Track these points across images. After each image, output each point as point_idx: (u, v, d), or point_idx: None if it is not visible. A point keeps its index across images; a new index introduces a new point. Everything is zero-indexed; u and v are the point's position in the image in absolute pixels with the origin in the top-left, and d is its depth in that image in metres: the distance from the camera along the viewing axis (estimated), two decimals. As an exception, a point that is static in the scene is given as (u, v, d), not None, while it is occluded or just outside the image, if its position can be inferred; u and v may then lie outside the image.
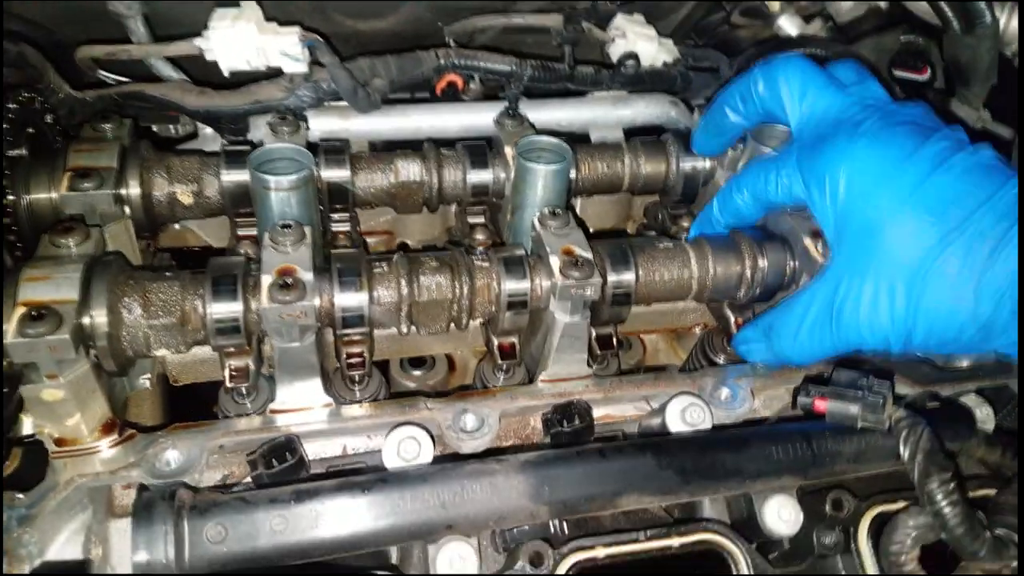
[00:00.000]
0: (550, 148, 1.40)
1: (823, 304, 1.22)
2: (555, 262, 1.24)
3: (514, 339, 1.40)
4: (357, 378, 1.34)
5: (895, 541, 1.01)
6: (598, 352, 1.41)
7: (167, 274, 1.19)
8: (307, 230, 1.22)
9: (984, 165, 1.17)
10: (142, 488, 1.01)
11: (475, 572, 1.00)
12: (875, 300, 1.17)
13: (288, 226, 1.21)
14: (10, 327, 1.04)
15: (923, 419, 1.05)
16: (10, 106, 1.31)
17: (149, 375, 1.30)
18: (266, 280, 1.14)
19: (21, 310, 1.05)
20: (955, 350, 1.21)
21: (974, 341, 1.14)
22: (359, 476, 1.04)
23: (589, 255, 1.24)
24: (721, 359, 1.47)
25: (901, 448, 1.03)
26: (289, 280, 1.13)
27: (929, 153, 1.17)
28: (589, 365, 1.33)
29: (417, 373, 1.60)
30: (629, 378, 1.34)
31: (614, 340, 1.43)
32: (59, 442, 1.13)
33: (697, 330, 1.61)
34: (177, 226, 1.53)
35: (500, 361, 1.39)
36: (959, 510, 0.97)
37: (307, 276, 1.15)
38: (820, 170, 1.24)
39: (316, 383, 1.24)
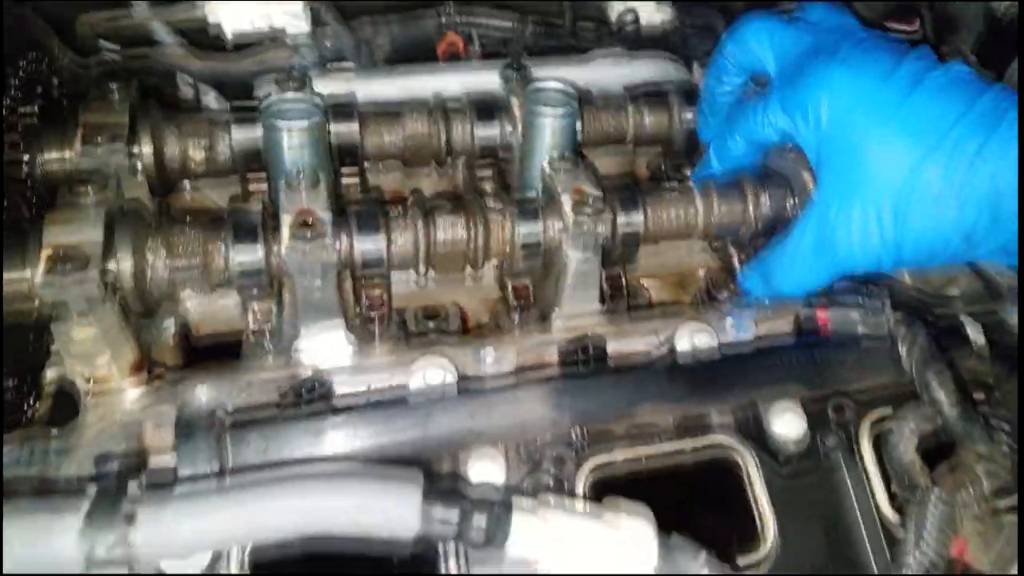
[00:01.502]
0: (557, 94, 1.44)
1: (814, 233, 1.26)
2: (566, 201, 1.28)
3: (527, 281, 1.44)
4: (377, 322, 1.37)
5: (894, 433, 1.07)
6: (608, 293, 1.45)
7: (188, 220, 1.22)
8: (321, 175, 1.26)
9: (958, 80, 1.21)
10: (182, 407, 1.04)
11: (503, 478, 1.04)
12: (864, 222, 1.21)
13: (302, 170, 1.24)
14: (38, 269, 1.07)
15: (920, 320, 1.10)
16: (19, 63, 1.34)
17: (173, 321, 1.33)
18: (286, 220, 1.18)
19: (48, 252, 1.09)
20: (943, 261, 1.24)
21: (960, 251, 1.19)
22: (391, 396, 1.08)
23: (600, 193, 1.28)
24: (724, 297, 1.52)
25: (899, 346, 1.08)
26: (309, 219, 1.17)
27: (905, 73, 1.21)
28: (600, 303, 1.37)
29: (431, 324, 1.63)
30: (638, 314, 1.38)
31: (623, 282, 1.48)
32: (90, 382, 1.15)
33: (701, 273, 1.65)
34: (188, 189, 1.56)
35: (515, 303, 1.43)
36: (954, 396, 1.03)
37: (326, 216, 1.19)
38: (800, 100, 1.27)
39: (338, 325, 1.27)
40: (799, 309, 1.21)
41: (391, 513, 0.83)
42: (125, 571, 0.70)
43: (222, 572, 0.93)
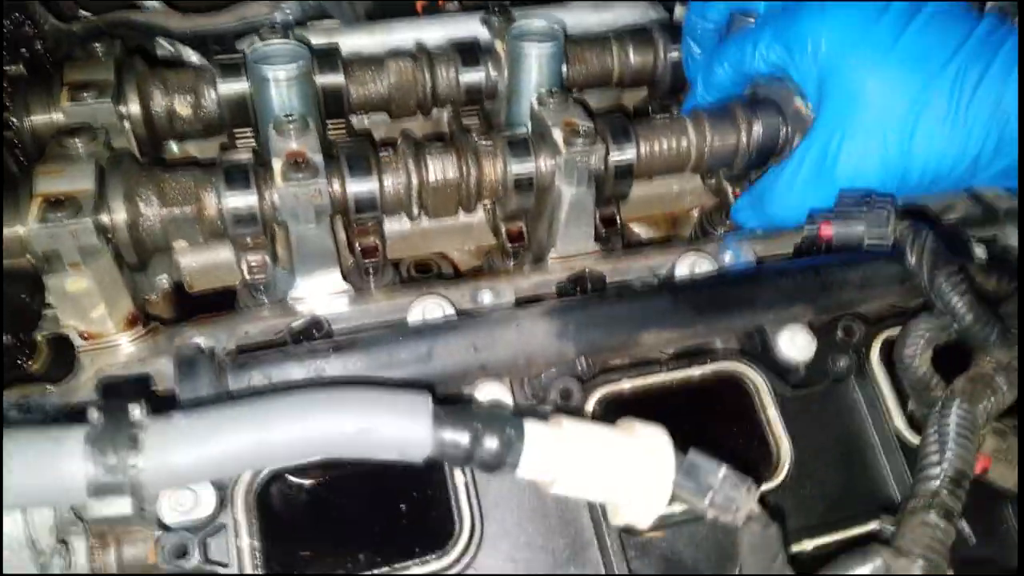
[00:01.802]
0: (541, 30, 1.42)
1: (813, 161, 1.27)
2: (557, 135, 1.26)
3: (521, 224, 1.43)
4: (372, 269, 1.36)
5: (907, 345, 1.05)
6: (602, 232, 1.44)
7: (179, 168, 1.20)
8: (310, 120, 1.24)
9: (953, 10, 1.24)
10: (181, 348, 1.02)
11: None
12: (867, 152, 1.22)
13: (291, 116, 1.22)
14: (30, 218, 1.05)
15: (927, 226, 1.09)
16: (2, 24, 1.32)
17: (167, 276, 1.31)
18: (277, 163, 1.16)
19: (39, 200, 1.07)
20: (945, 188, 1.26)
21: (963, 176, 1.23)
22: (393, 328, 1.06)
23: (591, 124, 1.27)
24: (721, 233, 1.51)
25: (908, 254, 1.07)
26: (300, 160, 1.15)
27: (901, 4, 1.24)
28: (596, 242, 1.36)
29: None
30: (635, 250, 1.37)
31: (617, 220, 1.47)
32: (85, 336, 1.14)
33: (695, 213, 1.65)
34: (176, 148, 1.54)
35: (509, 246, 1.41)
36: (968, 299, 1.01)
37: (317, 157, 1.17)
38: (799, 33, 1.28)
39: (334, 270, 1.26)
40: (802, 228, 1.20)
41: (401, 435, 0.82)
42: (128, 498, 0.69)
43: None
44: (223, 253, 1.38)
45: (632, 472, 0.87)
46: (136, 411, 0.72)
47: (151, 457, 0.70)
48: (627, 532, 1.02)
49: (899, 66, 1.20)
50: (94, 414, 0.71)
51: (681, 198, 1.62)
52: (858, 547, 0.90)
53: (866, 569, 0.86)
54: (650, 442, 0.87)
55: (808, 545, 1.06)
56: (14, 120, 1.31)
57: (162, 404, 0.81)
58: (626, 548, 1.02)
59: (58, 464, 0.68)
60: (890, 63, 1.21)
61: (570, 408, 1.06)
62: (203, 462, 0.71)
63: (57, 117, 1.32)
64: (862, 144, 1.22)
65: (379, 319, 1.21)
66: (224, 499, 0.95)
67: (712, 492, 0.86)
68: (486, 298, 1.24)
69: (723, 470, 0.86)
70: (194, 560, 0.91)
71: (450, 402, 0.88)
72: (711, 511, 0.86)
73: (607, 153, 1.29)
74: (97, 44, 1.42)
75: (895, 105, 1.20)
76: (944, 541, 0.90)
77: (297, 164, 1.14)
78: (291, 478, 0.99)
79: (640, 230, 1.74)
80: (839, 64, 1.24)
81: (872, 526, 1.07)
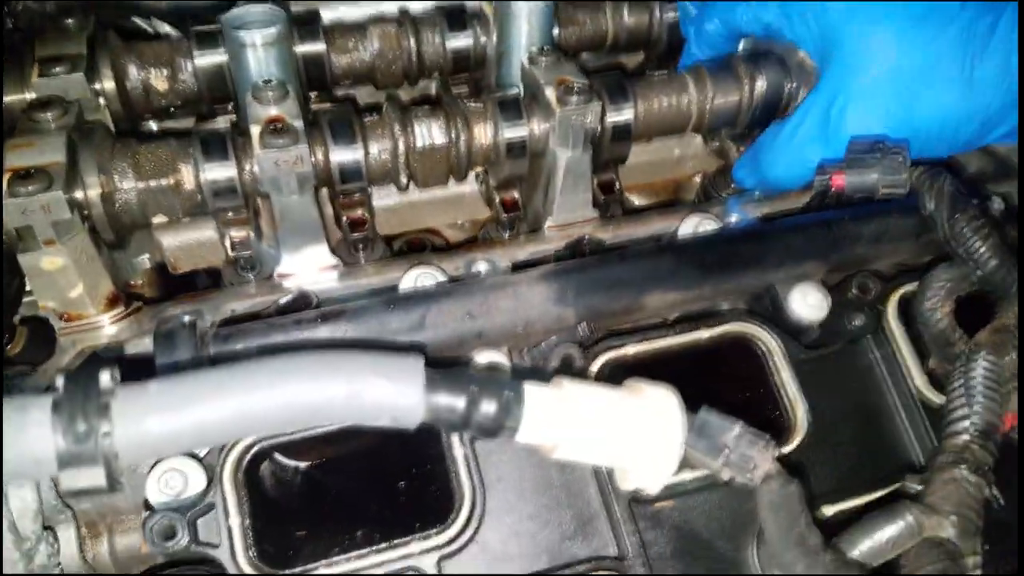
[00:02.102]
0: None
1: (815, 119, 1.21)
2: (551, 93, 1.21)
3: (516, 193, 1.38)
4: (361, 244, 1.30)
5: (927, 297, 1.00)
6: (601, 199, 1.39)
7: (155, 139, 1.15)
8: (289, 87, 1.19)
9: None
10: (162, 321, 0.97)
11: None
12: (873, 109, 1.17)
13: (269, 81, 1.17)
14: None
15: (944, 171, 1.03)
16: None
17: (148, 255, 1.26)
18: (255, 129, 1.11)
19: (8, 175, 1.01)
20: (953, 149, 1.21)
21: (973, 136, 1.18)
22: (383, 296, 1.01)
23: (586, 80, 1.21)
24: (725, 195, 1.45)
25: (925, 199, 1.01)
26: (279, 126, 1.10)
27: None
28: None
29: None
30: (637, 216, 1.31)
31: (616, 185, 1.41)
32: (65, 318, 1.09)
33: (697, 179, 1.59)
34: (154, 127, 1.48)
35: (504, 216, 1.36)
36: (992, 242, 0.96)
37: (297, 123, 1.12)
38: None
39: (321, 244, 1.21)
40: (810, 187, 1.15)
41: (391, 399, 0.76)
42: (101, 468, 0.64)
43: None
44: (206, 231, 1.32)
45: (640, 433, 0.81)
46: (106, 377, 0.67)
47: (123, 424, 0.64)
48: (636, 502, 0.97)
49: (905, 21, 1.15)
50: (61, 381, 0.66)
51: (682, 163, 1.56)
52: (887, 505, 0.84)
53: (895, 528, 0.81)
54: (658, 401, 0.82)
55: (828, 511, 1.01)
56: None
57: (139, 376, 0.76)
58: (636, 518, 0.97)
59: (24, 434, 0.63)
60: (896, 17, 1.16)
61: (572, 376, 1.01)
62: (180, 429, 0.66)
63: (30, 96, 1.27)
64: (867, 103, 1.17)
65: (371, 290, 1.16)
66: (213, 477, 0.91)
67: (727, 451, 0.81)
68: (481, 268, 1.19)
69: (737, 427, 0.81)
70: (183, 541, 0.86)
71: (444, 366, 0.83)
72: (726, 471, 0.81)
73: (604, 112, 1.24)
74: (69, 20, 1.36)
75: (901, 61, 1.15)
76: (976, 497, 0.85)
77: (276, 130, 1.09)
78: (282, 454, 0.94)
79: (639, 200, 1.68)
80: (844, 19, 1.19)
81: (893, 488, 1.02)
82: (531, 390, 0.81)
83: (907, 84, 1.15)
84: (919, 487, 0.92)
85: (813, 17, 1.22)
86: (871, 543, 0.83)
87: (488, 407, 0.79)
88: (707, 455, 0.81)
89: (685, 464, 0.84)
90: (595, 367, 1.03)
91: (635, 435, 0.81)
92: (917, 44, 1.14)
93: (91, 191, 1.07)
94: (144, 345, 1.07)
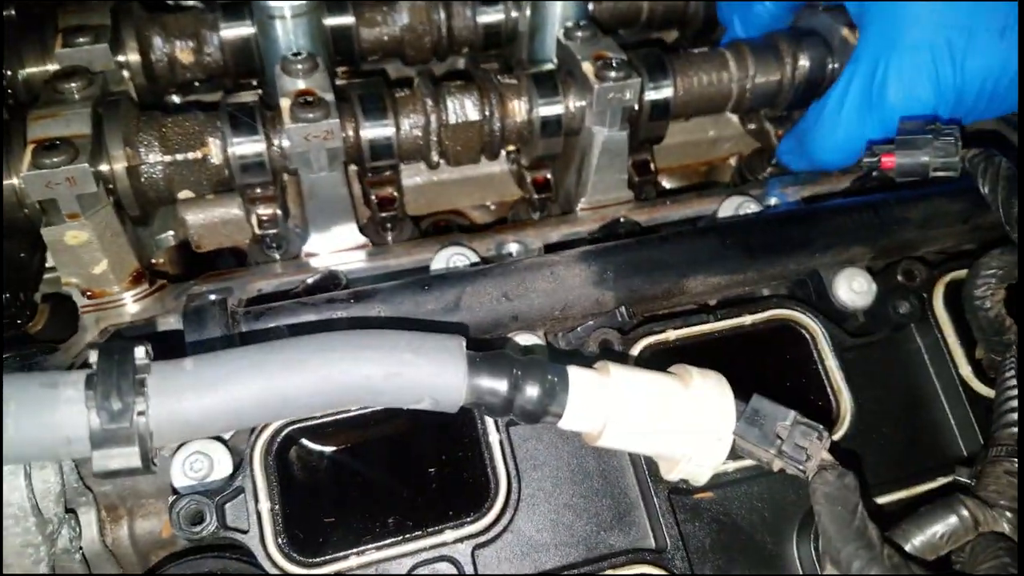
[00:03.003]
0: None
1: (860, 87, 1.16)
2: (588, 68, 1.17)
3: (547, 173, 1.34)
4: (390, 224, 1.27)
5: (978, 284, 0.96)
6: (636, 180, 1.35)
7: (181, 113, 1.12)
8: (319, 59, 1.15)
9: None
10: (191, 298, 0.94)
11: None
12: (918, 69, 1.11)
13: (299, 54, 1.14)
14: (23, 163, 0.97)
15: (998, 152, 0.99)
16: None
17: (172, 232, 1.23)
18: (285, 102, 1.07)
19: (32, 146, 0.98)
20: (1005, 108, 1.15)
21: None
22: (416, 276, 0.98)
23: (624, 56, 1.17)
24: (763, 177, 1.41)
25: (980, 183, 0.97)
26: (310, 99, 1.07)
27: None
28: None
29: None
30: (673, 197, 1.28)
31: (652, 166, 1.38)
32: (88, 294, 1.06)
33: (732, 162, 1.55)
34: (177, 100, 1.45)
35: (536, 196, 1.33)
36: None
37: (328, 96, 1.09)
38: None
39: (350, 223, 1.18)
40: (859, 165, 1.10)
41: (433, 381, 0.73)
42: (136, 448, 0.61)
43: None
44: (232, 209, 1.30)
45: (689, 422, 0.78)
46: (140, 352, 0.64)
47: (160, 403, 0.61)
48: (676, 492, 0.94)
49: None
50: (94, 356, 0.63)
51: (718, 145, 1.52)
52: (940, 498, 0.81)
53: (951, 522, 0.78)
54: (708, 389, 0.79)
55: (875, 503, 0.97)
56: (5, 69, 1.23)
57: (168, 354, 0.73)
58: (676, 510, 0.94)
59: (56, 412, 0.60)
60: None
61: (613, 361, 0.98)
62: (217, 409, 0.63)
63: (52, 67, 1.23)
64: (913, 61, 1.11)
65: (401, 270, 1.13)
66: (241, 461, 0.88)
67: (779, 441, 0.77)
68: (512, 249, 1.16)
69: (791, 416, 0.78)
70: (211, 526, 0.84)
71: (482, 347, 0.80)
72: (778, 462, 0.78)
73: (642, 89, 1.20)
74: (92, -11, 1.33)
75: (947, 16, 1.09)
76: (1031, 490, 0.81)
77: (307, 103, 1.06)
78: (312, 438, 0.91)
79: (670, 183, 1.64)
80: None
81: (941, 481, 0.99)
82: (576, 374, 0.78)
83: (950, 42, 1.09)
84: (970, 480, 0.89)
85: None
86: (925, 537, 0.80)
87: (532, 391, 0.76)
88: (758, 445, 0.78)
89: (732, 453, 0.81)
90: (635, 352, 0.99)
91: (684, 424, 0.78)
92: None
93: (117, 164, 1.04)
94: (169, 323, 1.05)
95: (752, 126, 1.45)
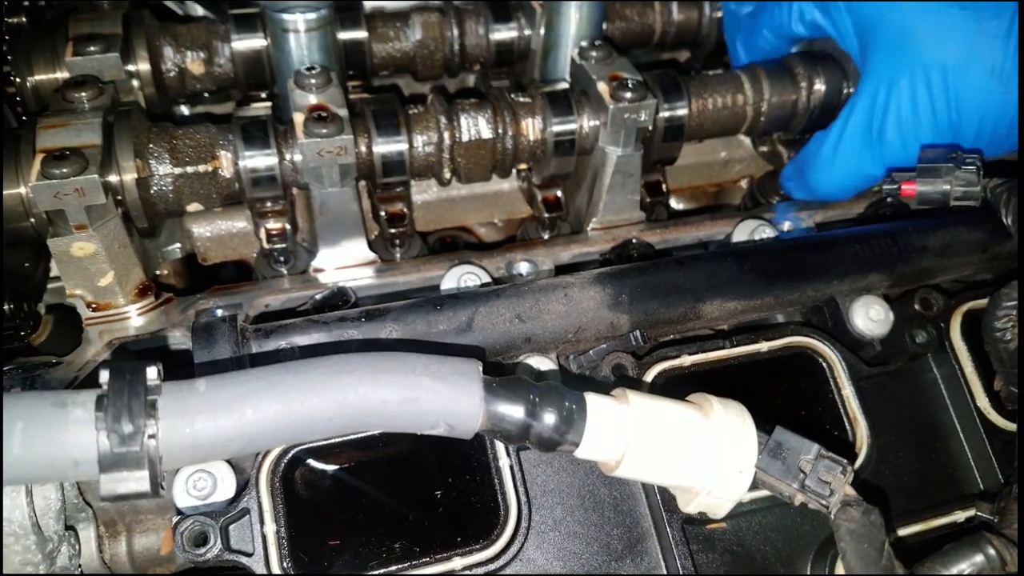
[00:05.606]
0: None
1: (860, 119, 1.17)
2: (603, 88, 1.16)
3: (559, 192, 1.33)
4: (398, 240, 1.26)
5: (998, 316, 0.94)
6: (647, 200, 1.34)
7: (192, 124, 1.10)
8: (333, 74, 1.14)
9: None
10: (199, 314, 0.92)
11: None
12: (915, 103, 1.12)
13: (313, 68, 1.12)
14: (32, 173, 0.95)
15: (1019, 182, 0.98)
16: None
17: (179, 245, 1.21)
18: (299, 117, 1.06)
19: (41, 156, 0.97)
20: (1003, 148, 1.15)
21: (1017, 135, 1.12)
22: (429, 296, 0.96)
23: (639, 76, 1.16)
24: (775, 202, 1.40)
25: (1002, 213, 0.96)
26: (324, 114, 1.05)
27: None
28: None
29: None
30: (685, 220, 1.26)
31: (663, 187, 1.36)
32: (93, 307, 1.04)
33: (743, 184, 1.54)
34: (186, 111, 1.44)
35: (546, 215, 1.31)
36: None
37: (342, 111, 1.07)
38: None
39: (359, 239, 1.16)
40: (877, 189, 1.10)
41: (448, 407, 0.71)
42: (146, 472, 0.59)
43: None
44: (239, 222, 1.28)
45: (710, 453, 0.76)
46: (152, 373, 0.62)
47: (171, 426, 0.60)
48: (689, 523, 0.92)
49: (949, 9, 1.10)
50: (105, 376, 0.61)
51: (729, 167, 1.51)
52: (963, 535, 0.79)
53: (977, 561, 0.76)
54: (729, 419, 0.77)
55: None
56: (15, 76, 1.21)
57: (177, 375, 0.71)
58: (689, 540, 0.92)
59: (65, 434, 0.58)
60: (939, 6, 1.10)
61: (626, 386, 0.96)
62: (230, 433, 0.61)
63: (62, 75, 1.22)
64: (911, 94, 1.11)
65: (411, 288, 1.11)
66: (247, 482, 0.86)
67: (802, 476, 0.75)
68: (523, 269, 1.14)
69: (816, 450, 0.76)
70: (215, 548, 0.81)
71: (497, 371, 0.78)
72: (801, 496, 0.76)
73: (657, 110, 1.19)
74: (104, -2, 1.32)
75: (946, 48, 1.09)
76: (1058, 529, 0.80)
77: (321, 118, 1.04)
78: (319, 460, 0.89)
79: (679, 204, 1.63)
80: (884, 11, 1.14)
81: (959, 514, 0.97)
82: (594, 401, 0.76)
83: (950, 75, 1.09)
84: (992, 517, 0.87)
85: (853, 11, 1.17)
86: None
87: (549, 418, 0.75)
88: (781, 479, 0.76)
89: (752, 486, 0.80)
90: (649, 377, 0.97)
91: (705, 456, 0.76)
92: (960, 32, 1.09)
93: (126, 175, 1.03)
94: (175, 338, 1.03)
95: (765, 148, 1.44)
